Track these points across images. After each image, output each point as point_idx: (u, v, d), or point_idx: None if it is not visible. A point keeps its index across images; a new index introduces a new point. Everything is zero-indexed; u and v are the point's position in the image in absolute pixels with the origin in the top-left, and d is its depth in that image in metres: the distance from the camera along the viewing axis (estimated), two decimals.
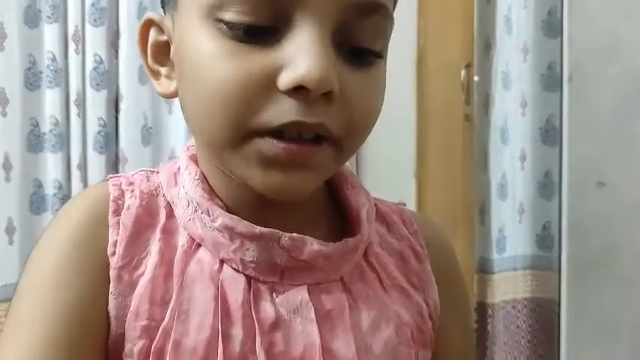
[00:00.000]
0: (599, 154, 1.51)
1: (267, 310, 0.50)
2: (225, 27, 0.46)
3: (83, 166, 1.54)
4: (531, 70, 1.70)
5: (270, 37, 0.46)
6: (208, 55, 0.46)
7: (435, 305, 0.59)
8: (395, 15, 0.51)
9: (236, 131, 0.46)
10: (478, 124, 1.73)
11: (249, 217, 0.51)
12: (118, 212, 0.52)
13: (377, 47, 0.49)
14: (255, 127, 0.46)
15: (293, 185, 0.48)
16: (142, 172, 0.56)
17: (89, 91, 1.54)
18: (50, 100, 1.52)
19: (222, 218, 0.50)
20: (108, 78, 1.54)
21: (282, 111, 0.45)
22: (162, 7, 0.55)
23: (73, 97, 1.53)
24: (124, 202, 0.52)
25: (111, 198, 0.52)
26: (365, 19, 0.47)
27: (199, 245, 0.52)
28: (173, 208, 0.53)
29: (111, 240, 0.51)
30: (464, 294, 0.66)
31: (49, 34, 1.51)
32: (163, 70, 0.54)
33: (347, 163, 0.56)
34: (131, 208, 0.52)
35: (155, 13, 0.54)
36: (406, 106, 1.61)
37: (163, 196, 0.54)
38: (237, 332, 0.49)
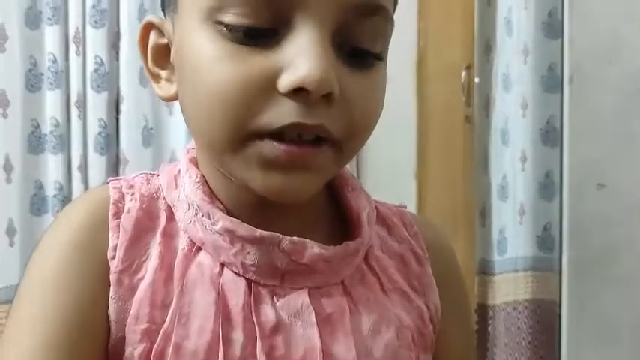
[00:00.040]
0: (600, 156, 1.50)
1: (268, 313, 0.50)
2: (225, 29, 0.46)
3: (84, 168, 1.54)
4: (532, 72, 1.70)
5: (269, 40, 0.46)
6: (208, 57, 0.46)
7: (436, 308, 0.59)
8: (395, 17, 0.51)
9: (236, 133, 0.46)
10: (479, 126, 1.73)
11: (249, 220, 0.51)
12: (118, 215, 0.52)
13: (377, 49, 0.49)
14: (255, 130, 0.46)
15: (293, 187, 0.48)
16: (142, 175, 0.56)
17: (90, 92, 1.53)
18: (51, 101, 1.52)
19: (223, 221, 0.50)
20: (109, 79, 1.54)
21: (282, 113, 0.45)
22: (163, 9, 0.55)
23: (73, 98, 1.53)
24: (124, 205, 0.52)
25: (111, 201, 0.52)
26: (365, 20, 0.47)
27: (200, 248, 0.51)
28: (173, 211, 0.53)
29: (111, 243, 0.51)
30: (464, 296, 0.66)
31: (50, 35, 1.51)
32: (163, 73, 0.54)
33: (347, 166, 0.56)
34: (131, 212, 0.52)
35: (155, 16, 0.54)
36: (407, 108, 1.61)
37: (164, 199, 0.54)
38: (238, 336, 0.49)
